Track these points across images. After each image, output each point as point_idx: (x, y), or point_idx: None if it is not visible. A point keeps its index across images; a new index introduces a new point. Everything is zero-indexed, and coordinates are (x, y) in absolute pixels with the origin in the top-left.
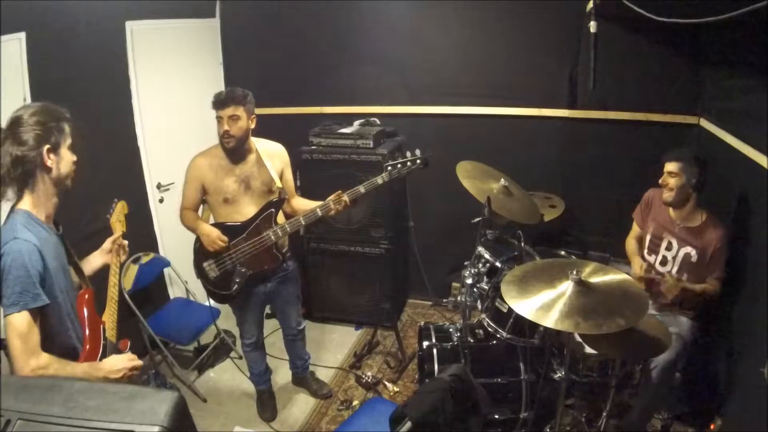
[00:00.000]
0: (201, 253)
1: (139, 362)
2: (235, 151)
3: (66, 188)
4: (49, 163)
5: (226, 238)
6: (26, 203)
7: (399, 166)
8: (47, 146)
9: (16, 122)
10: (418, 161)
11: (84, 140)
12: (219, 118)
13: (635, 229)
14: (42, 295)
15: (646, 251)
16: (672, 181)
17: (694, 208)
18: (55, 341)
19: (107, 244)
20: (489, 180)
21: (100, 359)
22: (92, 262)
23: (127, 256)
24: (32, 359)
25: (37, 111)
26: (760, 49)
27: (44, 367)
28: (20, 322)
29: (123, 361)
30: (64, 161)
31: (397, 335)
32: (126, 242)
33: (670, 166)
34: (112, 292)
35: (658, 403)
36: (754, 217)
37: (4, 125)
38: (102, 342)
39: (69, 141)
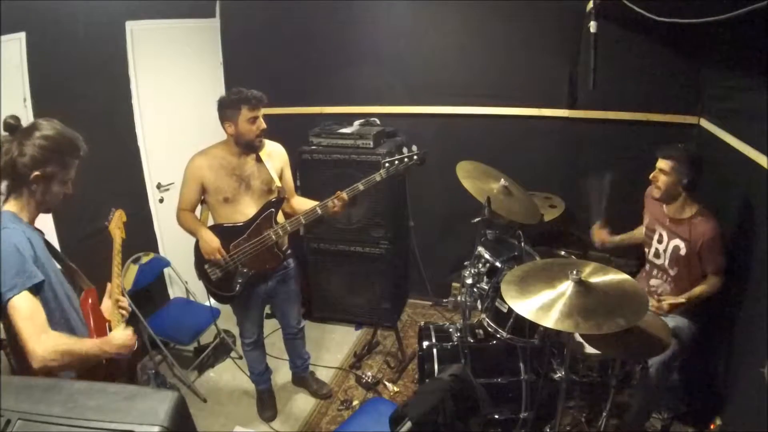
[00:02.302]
0: (202, 255)
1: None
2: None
3: (48, 211)
4: (33, 187)
5: (225, 253)
6: (12, 206)
7: (396, 162)
8: (37, 172)
9: (31, 128)
10: (415, 157)
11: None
12: (255, 118)
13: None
14: (37, 272)
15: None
16: (662, 179)
17: (686, 201)
18: (57, 328)
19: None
20: (489, 180)
21: None
22: None
23: (126, 311)
24: (43, 335)
25: (50, 134)
26: (760, 49)
27: (56, 341)
28: (22, 303)
29: (129, 335)
30: (50, 193)
31: (397, 335)
32: (127, 301)
33: (662, 164)
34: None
35: (655, 402)
36: (754, 217)
37: (25, 124)
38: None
39: (69, 176)
